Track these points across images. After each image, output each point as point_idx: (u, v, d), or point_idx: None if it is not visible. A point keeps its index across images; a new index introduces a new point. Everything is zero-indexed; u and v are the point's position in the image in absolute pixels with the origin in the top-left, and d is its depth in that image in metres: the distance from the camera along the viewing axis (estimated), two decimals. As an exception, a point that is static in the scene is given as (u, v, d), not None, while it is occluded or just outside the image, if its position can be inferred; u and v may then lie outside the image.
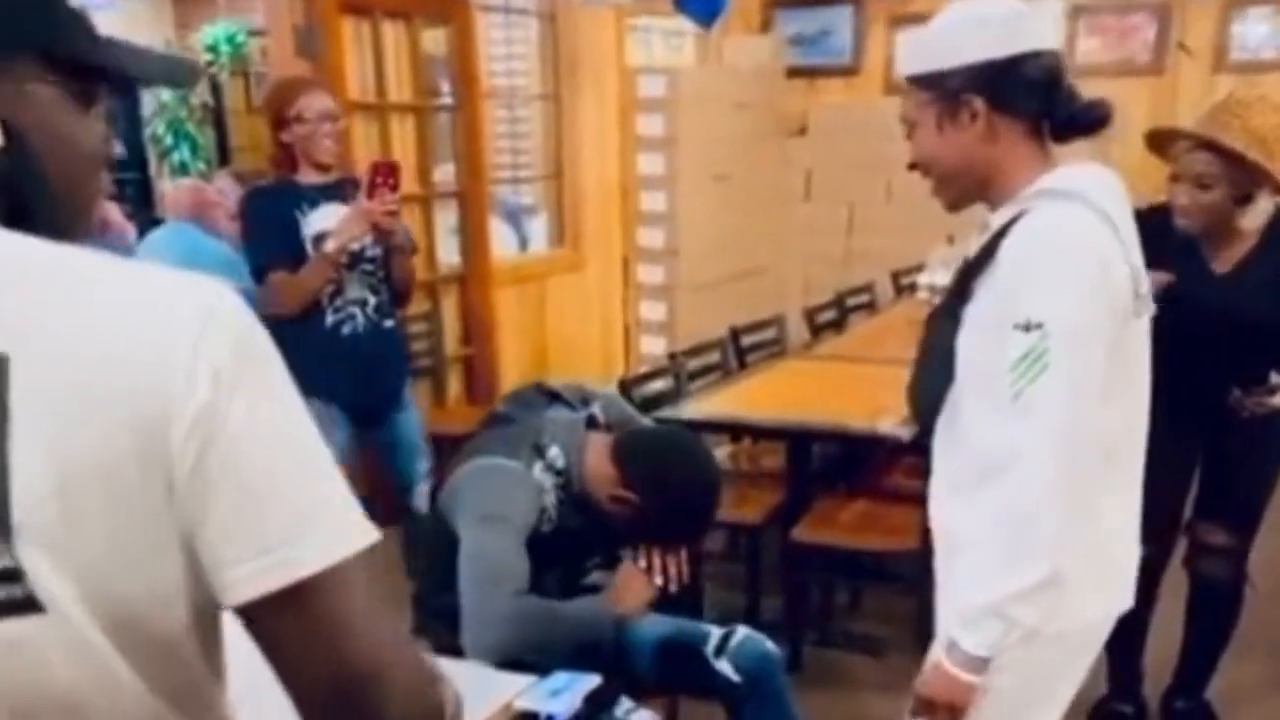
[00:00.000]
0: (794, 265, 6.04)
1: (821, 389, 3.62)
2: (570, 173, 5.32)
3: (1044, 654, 1.51)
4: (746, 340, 4.04)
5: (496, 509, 1.85)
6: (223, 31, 8.54)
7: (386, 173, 2.84)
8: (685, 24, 5.88)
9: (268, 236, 2.94)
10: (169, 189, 5.21)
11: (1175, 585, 2.77)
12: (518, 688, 1.62)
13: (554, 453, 1.96)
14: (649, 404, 3.30)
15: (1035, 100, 1.48)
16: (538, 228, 5.70)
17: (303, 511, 0.73)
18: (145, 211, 7.74)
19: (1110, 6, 5.79)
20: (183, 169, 8.41)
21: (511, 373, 4.81)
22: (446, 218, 4.60)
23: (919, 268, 4.61)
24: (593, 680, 1.64)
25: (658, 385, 3.51)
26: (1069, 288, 1.39)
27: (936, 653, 1.52)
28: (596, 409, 2.10)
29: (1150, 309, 1.53)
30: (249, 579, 0.70)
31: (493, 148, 6.37)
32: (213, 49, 8.66)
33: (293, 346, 2.73)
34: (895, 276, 5.21)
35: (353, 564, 0.73)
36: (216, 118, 9.04)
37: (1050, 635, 1.48)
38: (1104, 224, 1.42)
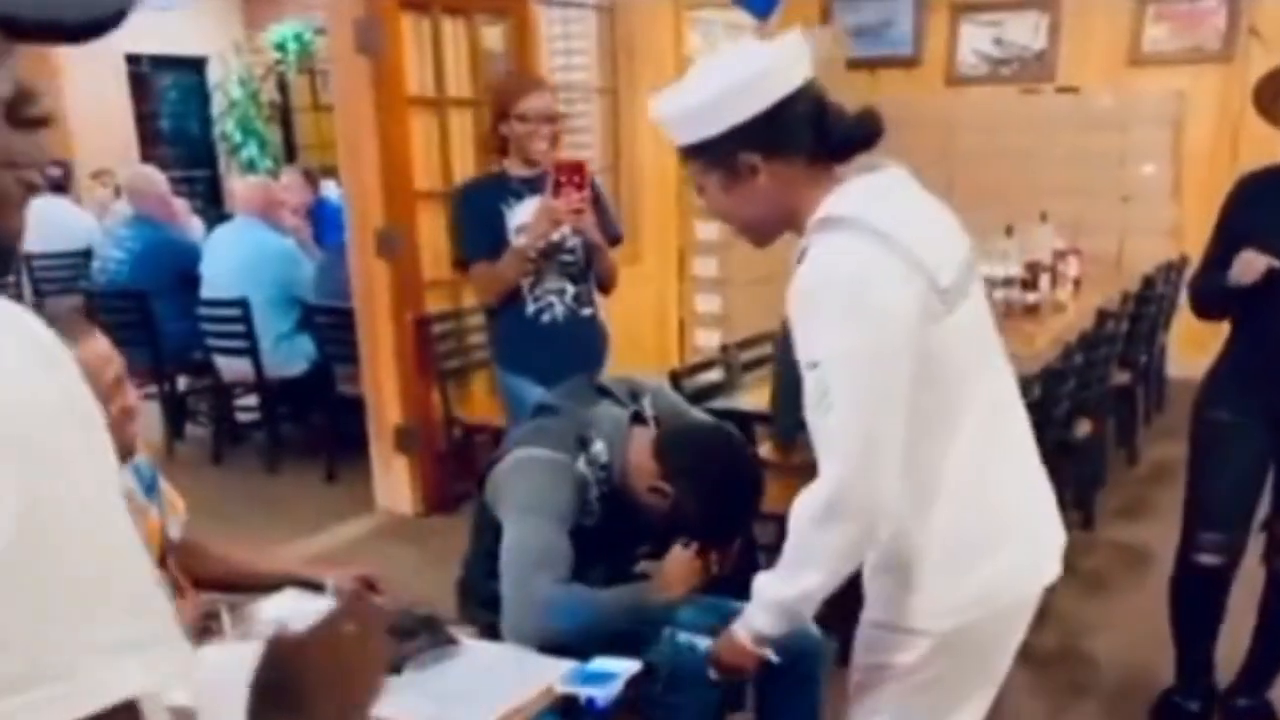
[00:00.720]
0: (852, 258, 6.00)
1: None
2: (627, 165, 5.33)
3: (973, 635, 1.56)
4: (801, 333, 4.02)
5: (538, 500, 1.88)
6: (290, 30, 8.72)
7: (570, 171, 2.92)
8: (747, 16, 5.86)
9: (473, 229, 3.09)
10: (237, 185, 5.34)
11: (1242, 583, 2.71)
12: (559, 672, 1.64)
13: (598, 447, 1.97)
14: (700, 395, 3.30)
15: (805, 137, 1.49)
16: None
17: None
18: (214, 208, 7.94)
19: (1179, -8, 5.66)
20: (250, 166, 8.61)
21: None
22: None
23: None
24: (634, 665, 1.66)
25: (709, 376, 3.51)
26: (835, 324, 1.41)
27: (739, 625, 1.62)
28: (645, 404, 2.11)
29: (965, 296, 1.49)
30: None
31: (552, 142, 6.40)
32: (280, 47, 8.84)
33: (503, 331, 2.75)
34: (954, 269, 5.15)
35: None
36: (284, 115, 9.24)
37: (974, 619, 1.54)
38: (877, 243, 1.42)
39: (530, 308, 3.06)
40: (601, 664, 1.65)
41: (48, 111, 0.71)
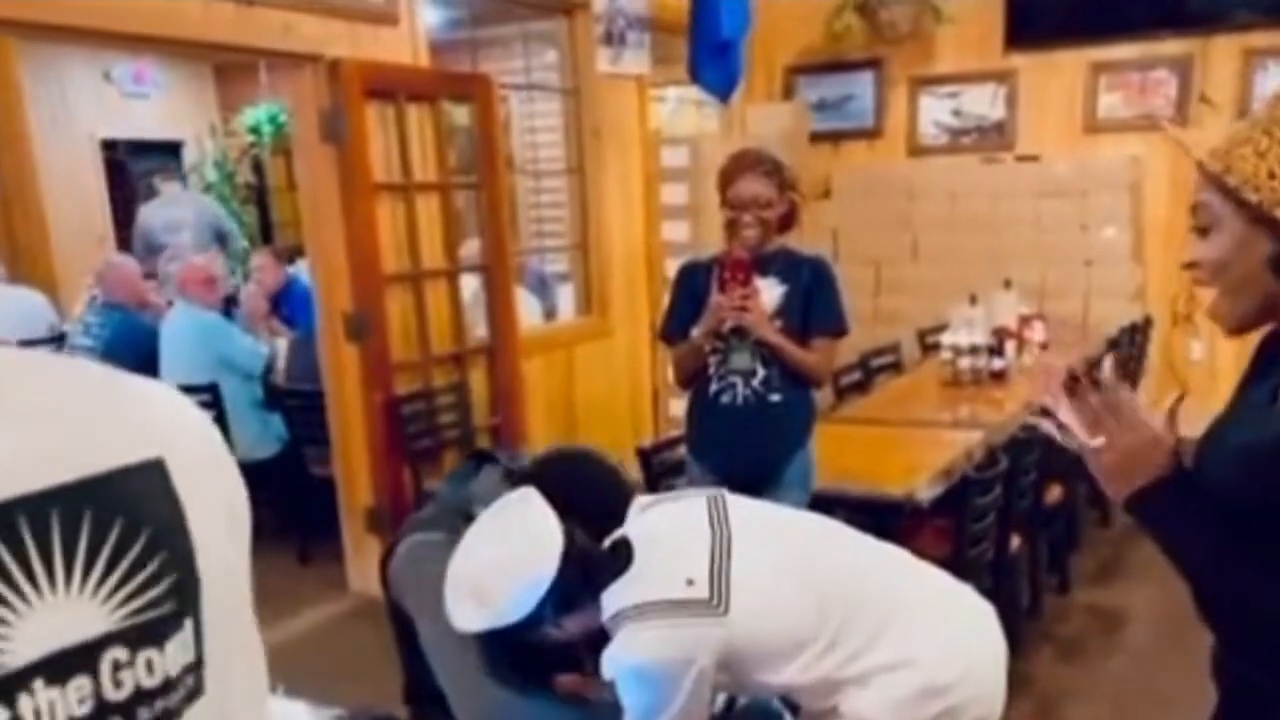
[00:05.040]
0: (822, 326, 6.05)
1: (847, 453, 3.60)
2: (596, 242, 5.40)
3: None
4: (769, 405, 4.04)
5: (435, 592, 1.83)
6: (264, 112, 8.81)
7: (736, 268, 2.90)
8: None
9: (677, 307, 3.09)
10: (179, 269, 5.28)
11: None
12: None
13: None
14: (672, 470, 3.32)
15: (580, 594, 1.75)
16: (566, 295, 5.78)
17: None
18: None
19: (1131, 62, 5.81)
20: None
21: (540, 440, 4.85)
22: (474, 291, 4.69)
23: (944, 326, 4.61)
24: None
25: (681, 452, 3.52)
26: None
27: None
28: (523, 458, 2.07)
29: (728, 572, 1.72)
30: None
31: (523, 217, 6.47)
32: (255, 130, 8.94)
33: (689, 410, 2.89)
34: (921, 336, 5.21)
35: None
36: (259, 196, 9.31)
37: None
38: (652, 617, 1.70)
39: (713, 387, 2.97)
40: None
41: None
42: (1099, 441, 1.25)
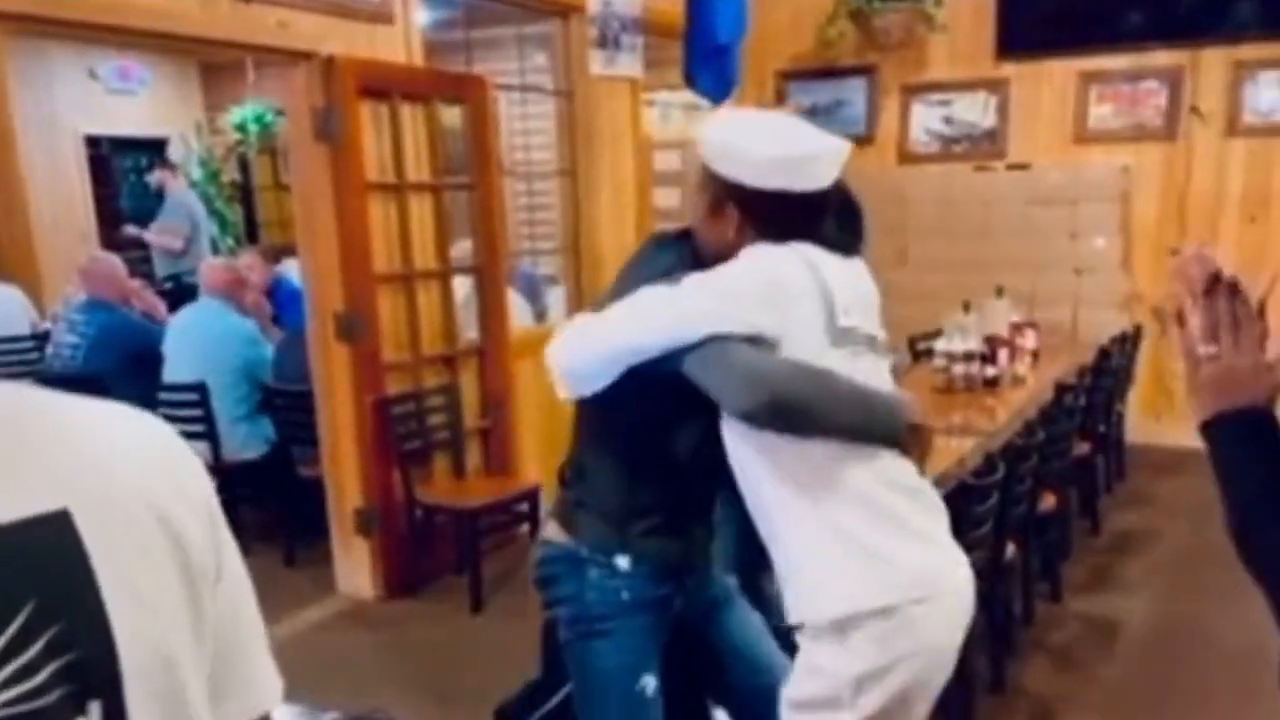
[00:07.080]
0: (813, 332, 6.04)
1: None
2: (588, 244, 5.37)
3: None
4: (763, 410, 4.03)
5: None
6: (251, 112, 8.76)
7: None
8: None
9: None
10: (202, 266, 5.31)
11: None
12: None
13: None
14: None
15: (783, 226, 1.71)
16: (557, 298, 5.75)
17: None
18: (177, 289, 7.88)
19: (1122, 73, 5.84)
20: (211, 246, 8.57)
21: (530, 443, 4.83)
22: (465, 292, 4.65)
23: (936, 333, 4.60)
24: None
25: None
26: (719, 289, 1.67)
27: None
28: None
29: (855, 353, 1.72)
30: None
31: (513, 220, 6.44)
32: (241, 128, 8.89)
33: None
34: (911, 343, 5.21)
35: None
36: (245, 195, 9.25)
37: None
38: (799, 261, 1.68)
39: None
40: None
41: None
42: (1209, 350, 1.23)
